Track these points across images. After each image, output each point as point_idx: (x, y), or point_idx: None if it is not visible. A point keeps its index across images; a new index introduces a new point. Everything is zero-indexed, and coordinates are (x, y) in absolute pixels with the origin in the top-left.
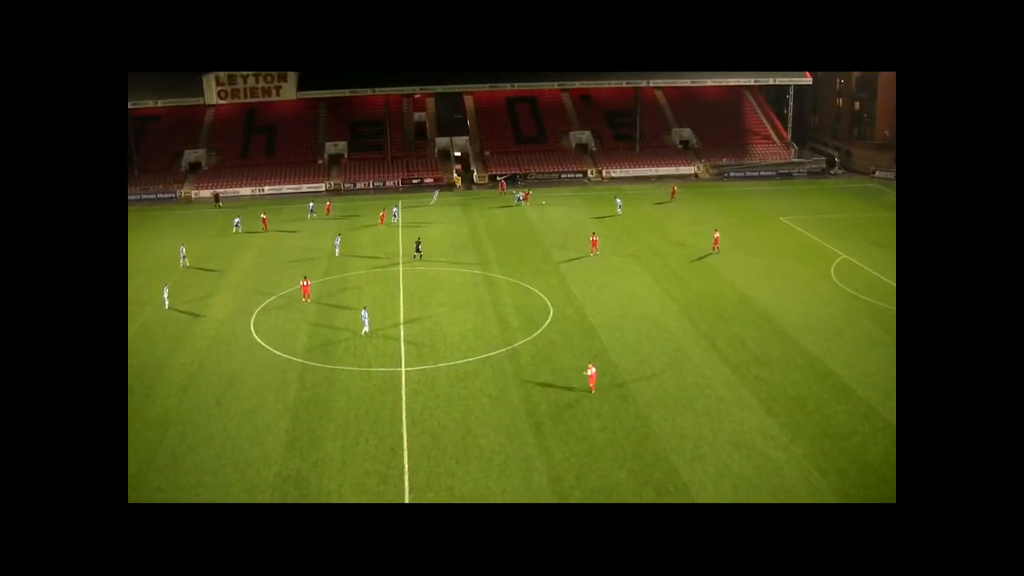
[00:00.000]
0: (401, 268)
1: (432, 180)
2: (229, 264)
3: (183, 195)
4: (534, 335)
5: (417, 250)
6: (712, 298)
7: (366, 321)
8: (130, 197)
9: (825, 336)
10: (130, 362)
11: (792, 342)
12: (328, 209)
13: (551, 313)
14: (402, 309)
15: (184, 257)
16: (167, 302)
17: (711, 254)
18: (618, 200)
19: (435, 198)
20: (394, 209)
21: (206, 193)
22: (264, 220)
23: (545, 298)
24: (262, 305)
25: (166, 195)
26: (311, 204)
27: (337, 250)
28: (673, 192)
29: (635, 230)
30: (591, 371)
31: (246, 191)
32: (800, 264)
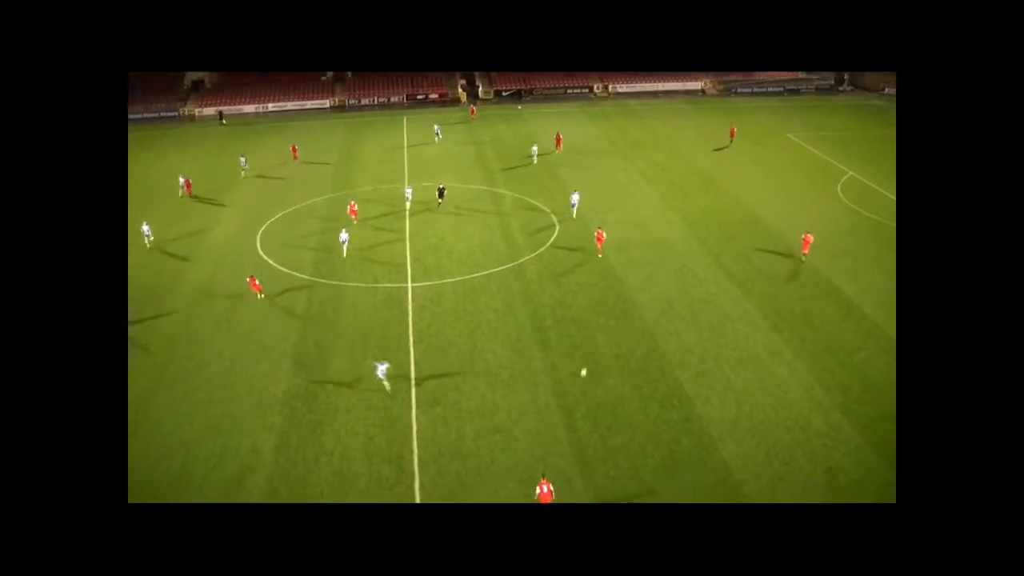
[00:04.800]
0: (407, 185)
1: (437, 96)
2: (232, 184)
3: (186, 113)
4: (540, 251)
5: (440, 195)
6: (718, 215)
7: (382, 372)
8: (132, 117)
9: (831, 253)
10: (138, 282)
11: (798, 259)
12: (294, 152)
13: (557, 229)
14: (408, 225)
15: (148, 236)
16: (149, 239)
17: (801, 261)
18: (436, 128)
19: (438, 134)
20: (436, 128)
21: (210, 111)
22: (188, 184)
23: (551, 214)
24: (268, 223)
25: (169, 113)
26: (243, 159)
27: (344, 250)
28: (732, 133)
29: (641, 145)
30: (545, 489)
31: (250, 108)
32: (807, 181)
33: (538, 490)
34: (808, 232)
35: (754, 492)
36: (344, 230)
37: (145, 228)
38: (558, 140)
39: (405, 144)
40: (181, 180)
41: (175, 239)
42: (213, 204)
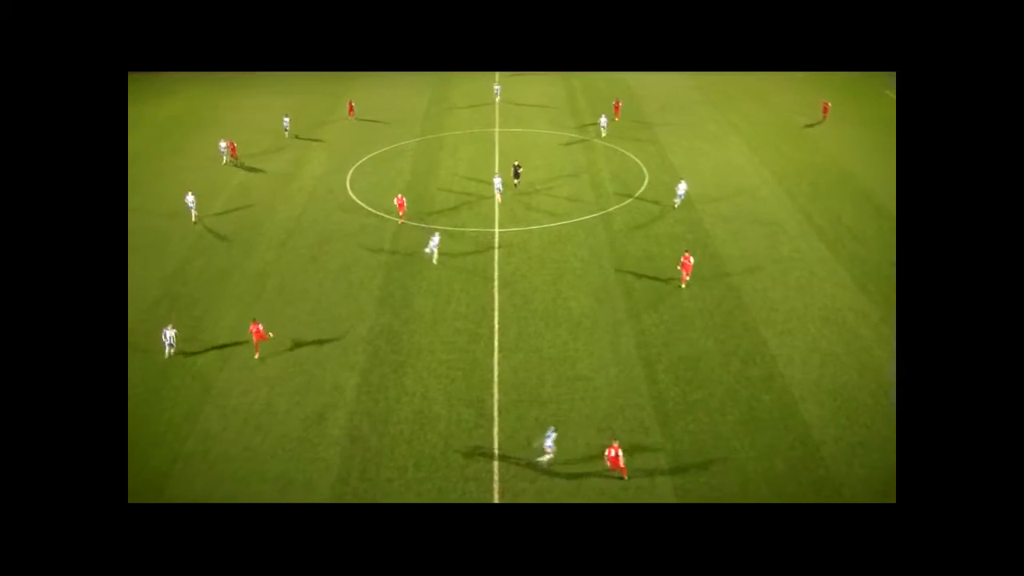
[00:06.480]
0: (497, 130)
1: None
2: (324, 122)
3: None
4: (628, 201)
5: (516, 175)
6: (811, 171)
7: (550, 443)
8: None
9: None
10: (229, 217)
11: (890, 219)
12: (351, 110)
13: (646, 180)
14: (497, 168)
15: (193, 207)
16: (194, 213)
17: None
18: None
19: (498, 93)
20: (496, 88)
21: None
22: (232, 147)
23: (641, 164)
24: (358, 163)
25: None
26: (286, 119)
27: (434, 259)
28: (825, 109)
29: (734, 97)
30: (612, 452)
31: None
32: None
33: (607, 453)
34: None
35: (832, 454)
36: (436, 234)
37: (189, 199)
38: (616, 107)
39: (496, 100)
40: (222, 145)
41: (220, 214)
42: (251, 170)
